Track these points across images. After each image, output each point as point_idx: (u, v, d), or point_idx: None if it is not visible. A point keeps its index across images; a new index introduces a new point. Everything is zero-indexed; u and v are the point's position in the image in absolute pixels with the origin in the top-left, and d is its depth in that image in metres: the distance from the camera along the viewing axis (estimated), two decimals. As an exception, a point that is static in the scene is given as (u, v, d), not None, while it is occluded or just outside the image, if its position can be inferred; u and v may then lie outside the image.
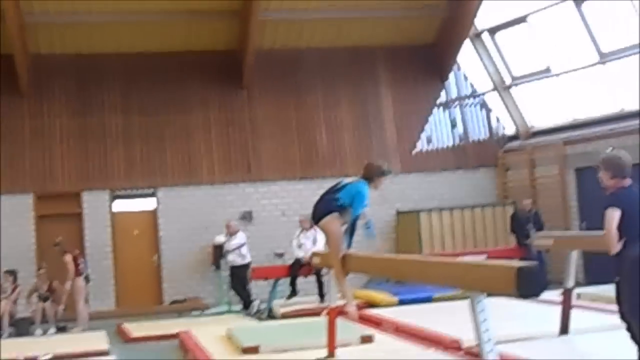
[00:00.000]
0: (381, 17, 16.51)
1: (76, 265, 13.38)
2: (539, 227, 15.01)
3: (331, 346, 8.13)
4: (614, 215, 6.13)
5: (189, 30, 15.98)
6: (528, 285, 3.94)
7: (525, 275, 3.93)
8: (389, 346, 8.77)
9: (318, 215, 7.30)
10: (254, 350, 8.84)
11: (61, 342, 11.17)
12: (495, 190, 17.57)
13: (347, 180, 7.46)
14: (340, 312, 8.21)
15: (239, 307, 14.60)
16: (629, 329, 6.28)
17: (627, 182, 6.47)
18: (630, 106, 14.99)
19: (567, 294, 8.40)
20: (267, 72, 16.74)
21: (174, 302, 15.63)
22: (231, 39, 16.26)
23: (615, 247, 6.16)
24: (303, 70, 17.02)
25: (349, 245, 7.29)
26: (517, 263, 4.05)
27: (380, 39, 17.13)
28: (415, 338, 9.20)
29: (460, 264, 4.56)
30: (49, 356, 5.05)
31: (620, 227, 6.22)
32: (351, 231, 7.28)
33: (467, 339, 8.59)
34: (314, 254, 8.75)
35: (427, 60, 17.42)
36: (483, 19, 16.85)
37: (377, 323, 10.70)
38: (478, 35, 17.12)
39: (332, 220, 7.21)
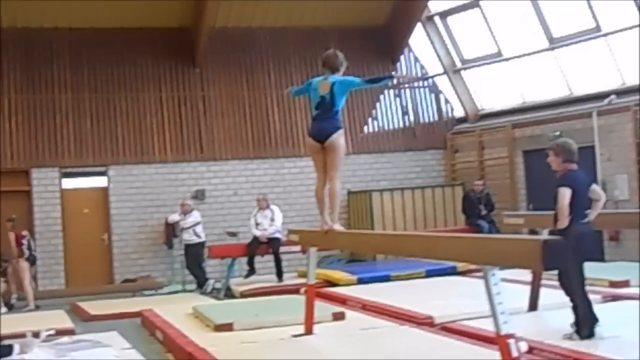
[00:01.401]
0: (334, -2, 16.55)
1: (19, 245, 13.33)
2: (490, 208, 15.38)
3: (309, 323, 8.23)
4: (565, 193, 7.02)
5: (141, 6, 15.71)
6: (553, 259, 4.07)
7: (550, 249, 4.05)
8: (363, 323, 8.89)
9: (327, 132, 7.19)
10: (228, 327, 8.86)
11: (23, 321, 10.94)
12: (444, 171, 17.86)
13: (317, 81, 7.36)
14: (317, 290, 8.34)
15: (192, 286, 14.58)
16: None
17: (575, 166, 7.22)
18: (579, 90, 15.42)
19: (535, 272, 8.63)
20: (220, 51, 16.64)
21: (125, 281, 15.47)
22: (184, 16, 16.09)
23: (565, 221, 6.96)
24: (256, 49, 16.98)
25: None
26: (541, 237, 4.19)
27: (333, 20, 17.17)
28: (385, 315, 9.36)
29: (480, 237, 4.67)
30: (52, 332, 5.03)
31: (569, 205, 7.00)
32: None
33: (439, 315, 8.84)
34: (291, 232, 8.79)
35: (379, 42, 17.55)
36: (435, 3, 17.05)
37: (341, 301, 10.83)
38: (430, 18, 17.31)
39: (341, 136, 7.28)
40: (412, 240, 5.35)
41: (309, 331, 8.17)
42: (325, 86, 7.30)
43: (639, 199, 13.87)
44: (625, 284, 9.76)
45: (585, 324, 6.96)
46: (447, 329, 8.12)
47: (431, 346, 7.33)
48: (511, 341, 4.54)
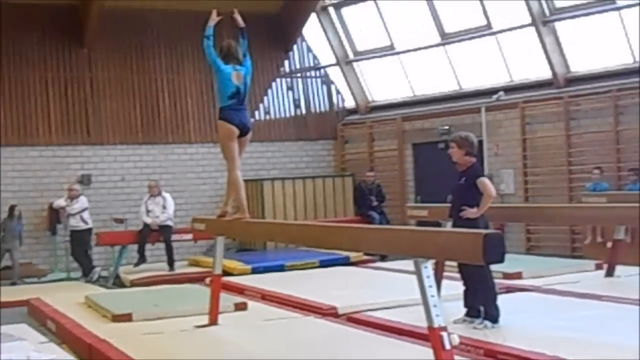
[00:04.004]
0: (230, -17, 16.23)
1: None
2: (381, 199, 15.58)
3: (213, 314, 8.07)
4: (489, 183, 7.32)
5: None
6: (494, 252, 4.11)
7: (491, 242, 4.09)
8: (266, 313, 8.79)
9: (249, 125, 7.51)
10: (126, 317, 8.58)
11: None
12: (334, 162, 17.95)
13: (229, 72, 7.35)
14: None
15: (77, 274, 14.12)
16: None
17: (474, 159, 7.45)
18: (468, 86, 15.79)
19: (438, 262, 8.76)
20: (110, 32, 16.09)
21: (4, 268, 14.77)
22: (73, -7, 15.53)
23: (482, 211, 7.22)
24: (147, 32, 16.54)
25: None
26: (482, 231, 4.22)
27: (227, 5, 16.82)
28: (287, 305, 9.27)
29: (419, 230, 4.66)
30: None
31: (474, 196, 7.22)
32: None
33: (343, 305, 8.83)
34: (196, 220, 8.58)
35: (272, 30, 17.38)
36: (330, -7, 17.10)
37: (239, 291, 10.68)
38: (324, 8, 17.32)
39: None
40: (338, 232, 5.29)
41: (213, 322, 8.02)
42: (239, 77, 7.48)
43: (524, 193, 14.38)
44: (519, 275, 10.04)
45: (491, 306, 7.18)
46: (353, 320, 8.11)
47: (340, 337, 7.31)
48: (444, 334, 4.56)
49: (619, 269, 9.79)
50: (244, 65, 7.51)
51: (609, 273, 9.71)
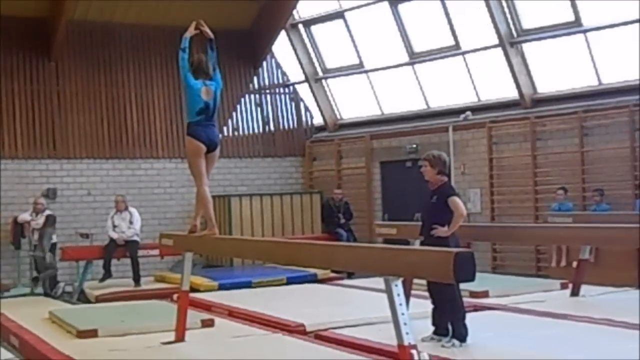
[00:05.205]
0: (200, -2, 16.22)
1: None
2: (349, 217, 15.62)
3: (180, 330, 8.01)
4: (460, 202, 7.38)
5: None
6: (464, 270, 4.13)
7: (462, 261, 4.11)
8: (233, 330, 8.73)
9: (217, 140, 7.42)
10: (92, 333, 8.47)
11: None
12: (302, 179, 17.96)
13: (199, 87, 7.21)
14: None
15: (41, 289, 13.91)
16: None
17: (446, 178, 7.57)
18: (436, 105, 15.90)
19: (406, 280, 8.78)
20: (78, 45, 16.05)
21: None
22: (41, 6, 15.37)
23: (453, 230, 7.26)
24: (115, 46, 16.47)
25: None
26: (453, 249, 4.24)
27: (197, 19, 16.81)
28: (254, 322, 9.22)
29: (390, 249, 4.67)
30: None
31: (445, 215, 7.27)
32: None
33: (311, 323, 8.81)
34: (164, 236, 8.51)
35: (242, 46, 17.40)
36: (300, 11, 17.14)
37: (206, 307, 10.61)
38: (294, 26, 17.38)
39: None
40: (309, 249, 5.29)
41: (180, 338, 7.95)
42: (209, 93, 7.32)
43: (490, 212, 14.48)
44: (485, 294, 10.09)
45: (459, 324, 7.20)
46: (321, 337, 8.09)
47: (309, 354, 7.28)
48: (414, 352, 4.57)
49: (584, 288, 9.89)
50: (214, 80, 7.41)
51: (575, 292, 9.79)
